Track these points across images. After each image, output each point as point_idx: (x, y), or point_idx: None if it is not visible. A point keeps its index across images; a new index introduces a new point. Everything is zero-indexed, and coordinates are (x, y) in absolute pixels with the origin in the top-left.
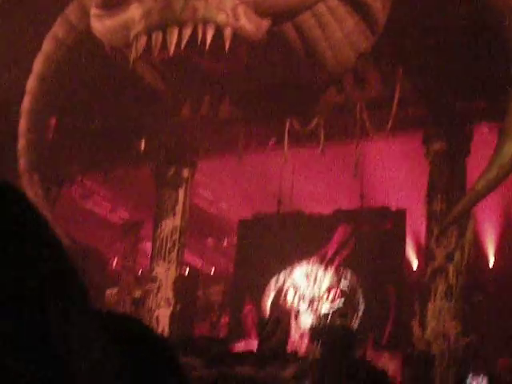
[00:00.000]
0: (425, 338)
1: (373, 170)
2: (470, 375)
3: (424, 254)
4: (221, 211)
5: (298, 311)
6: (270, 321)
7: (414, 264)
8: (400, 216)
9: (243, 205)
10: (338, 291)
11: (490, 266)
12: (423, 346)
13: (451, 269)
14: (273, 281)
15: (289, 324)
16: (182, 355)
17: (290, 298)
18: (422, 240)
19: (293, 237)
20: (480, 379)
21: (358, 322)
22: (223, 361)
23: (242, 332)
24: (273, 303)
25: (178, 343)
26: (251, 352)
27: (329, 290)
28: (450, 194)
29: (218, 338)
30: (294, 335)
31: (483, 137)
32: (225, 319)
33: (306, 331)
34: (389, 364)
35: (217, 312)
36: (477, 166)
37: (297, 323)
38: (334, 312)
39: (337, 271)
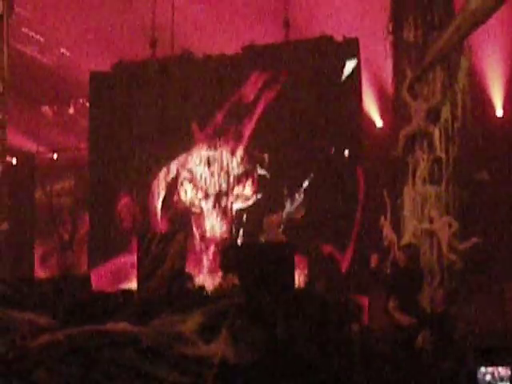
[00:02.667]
0: (401, 245)
1: None
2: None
3: (393, 111)
4: (61, 61)
5: (201, 214)
6: (157, 238)
7: (378, 126)
8: (349, 50)
9: (96, 50)
10: (254, 180)
11: (499, 115)
12: (400, 258)
13: (437, 132)
14: (161, 173)
15: (186, 240)
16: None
17: (186, 195)
18: (389, 89)
19: (179, 94)
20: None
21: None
22: (84, 315)
23: (117, 243)
24: (163, 205)
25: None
26: (130, 294)
27: (239, 180)
28: (427, 15)
29: (73, 272)
30: (198, 259)
31: None
32: (82, 232)
33: (216, 250)
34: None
35: (68, 223)
36: None
37: (202, 239)
38: (250, 209)
39: (250, 152)
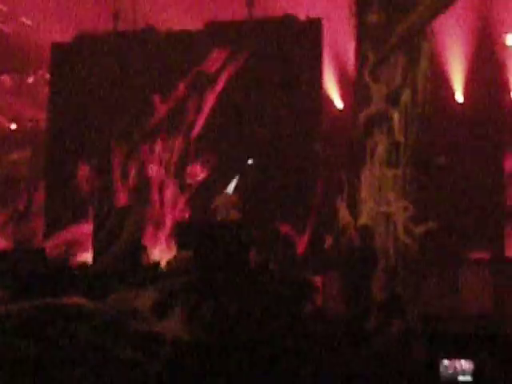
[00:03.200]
0: (358, 226)
1: None
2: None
3: (353, 92)
4: (23, 31)
5: (160, 187)
6: (114, 210)
7: (338, 107)
8: (312, 30)
9: (58, 21)
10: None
11: (459, 101)
12: (355, 240)
13: (396, 116)
14: (121, 145)
15: (143, 214)
16: None
17: (145, 167)
18: (349, 71)
19: (139, 70)
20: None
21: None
22: (39, 288)
23: (73, 213)
24: (122, 177)
25: None
26: (85, 267)
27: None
28: None
29: (28, 244)
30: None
31: None
32: (38, 202)
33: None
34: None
35: (24, 193)
36: None
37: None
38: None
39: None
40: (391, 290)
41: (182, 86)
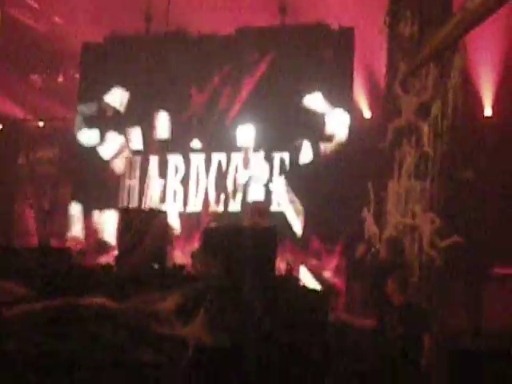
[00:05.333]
0: (384, 238)
1: None
2: None
3: (383, 103)
4: (54, 29)
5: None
6: (140, 213)
7: (367, 119)
8: (344, 39)
9: (90, 21)
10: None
11: (487, 114)
12: (382, 250)
13: (426, 129)
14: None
15: (166, 219)
16: None
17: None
18: (380, 81)
19: (171, 72)
20: None
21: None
22: (63, 287)
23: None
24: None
25: None
26: (109, 269)
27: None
28: (425, 10)
29: (53, 246)
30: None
31: None
32: (63, 201)
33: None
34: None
35: (49, 192)
36: None
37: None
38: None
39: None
40: (416, 304)
41: (207, 91)
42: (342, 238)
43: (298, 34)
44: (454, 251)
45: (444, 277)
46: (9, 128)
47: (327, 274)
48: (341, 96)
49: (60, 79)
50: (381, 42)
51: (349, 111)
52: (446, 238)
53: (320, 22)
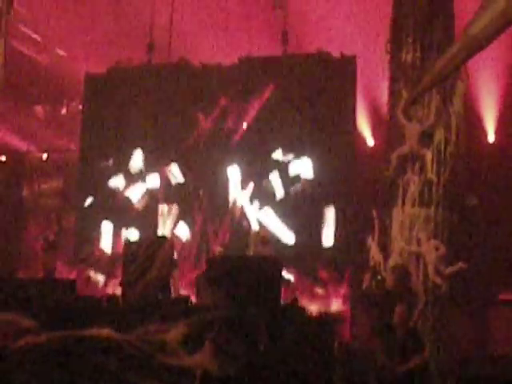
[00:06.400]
0: (388, 266)
1: None
2: None
3: (386, 131)
4: (57, 61)
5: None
6: (144, 243)
7: (370, 146)
8: (347, 67)
9: (92, 52)
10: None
11: (490, 141)
12: (388, 279)
13: (429, 155)
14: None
15: (172, 248)
16: None
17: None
18: (382, 109)
19: (172, 102)
20: None
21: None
22: (68, 319)
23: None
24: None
25: None
26: (114, 300)
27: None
28: (427, 37)
29: (57, 278)
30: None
31: None
32: (68, 232)
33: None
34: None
35: (54, 223)
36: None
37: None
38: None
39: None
40: (419, 331)
41: (210, 120)
42: (348, 266)
43: (300, 63)
44: (458, 278)
45: (449, 303)
46: (11, 160)
47: (334, 303)
48: (344, 124)
49: (63, 111)
50: (383, 69)
51: (352, 138)
52: (451, 264)
53: (322, 51)
